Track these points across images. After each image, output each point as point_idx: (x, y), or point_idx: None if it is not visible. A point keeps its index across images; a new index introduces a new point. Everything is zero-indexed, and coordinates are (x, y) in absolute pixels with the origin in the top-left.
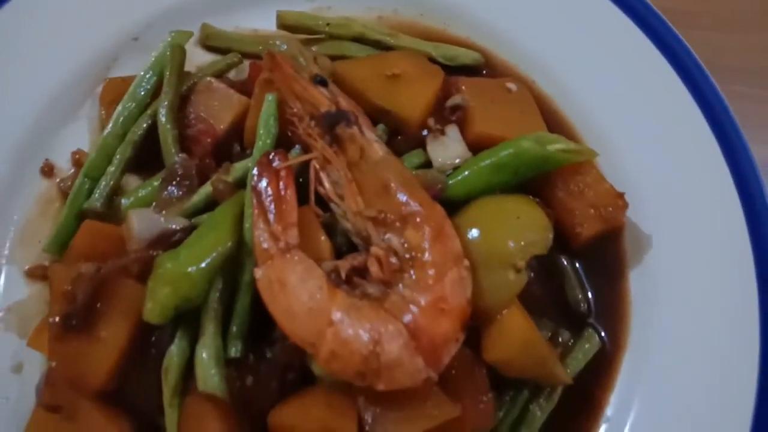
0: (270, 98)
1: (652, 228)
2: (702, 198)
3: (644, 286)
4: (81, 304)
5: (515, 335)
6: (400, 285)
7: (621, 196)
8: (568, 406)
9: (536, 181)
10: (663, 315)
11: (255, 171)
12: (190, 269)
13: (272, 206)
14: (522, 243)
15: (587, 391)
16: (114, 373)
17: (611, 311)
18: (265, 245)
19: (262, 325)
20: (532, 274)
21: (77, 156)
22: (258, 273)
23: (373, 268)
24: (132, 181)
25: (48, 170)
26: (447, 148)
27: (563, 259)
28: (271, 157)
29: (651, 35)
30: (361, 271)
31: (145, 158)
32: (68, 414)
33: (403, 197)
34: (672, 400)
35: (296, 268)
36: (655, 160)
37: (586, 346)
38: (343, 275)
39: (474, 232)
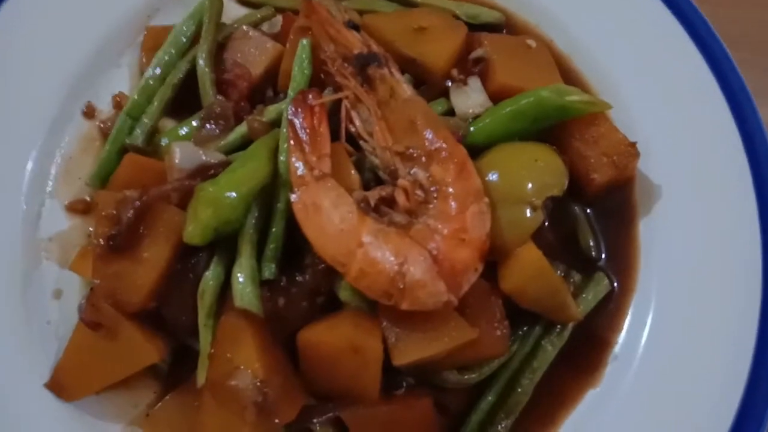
0: (304, 42)
1: (661, 179)
2: (708, 151)
3: (652, 233)
4: (125, 226)
5: (530, 265)
6: (425, 215)
7: (633, 145)
8: (578, 344)
9: (553, 131)
10: (669, 260)
11: (291, 106)
12: (229, 194)
13: (307, 138)
14: (539, 184)
15: (596, 330)
16: (153, 293)
17: (621, 257)
18: (300, 172)
19: (294, 251)
20: (546, 221)
21: (118, 99)
22: (293, 197)
23: (400, 198)
24: (170, 124)
25: (90, 112)
26: (469, 98)
27: (576, 207)
28: (306, 94)
29: (673, 10)
30: (389, 202)
31: (184, 103)
32: (108, 332)
33: (429, 134)
34: (677, 341)
35: (329, 193)
36: (665, 117)
37: (597, 287)
38: (372, 204)
39: (493, 174)
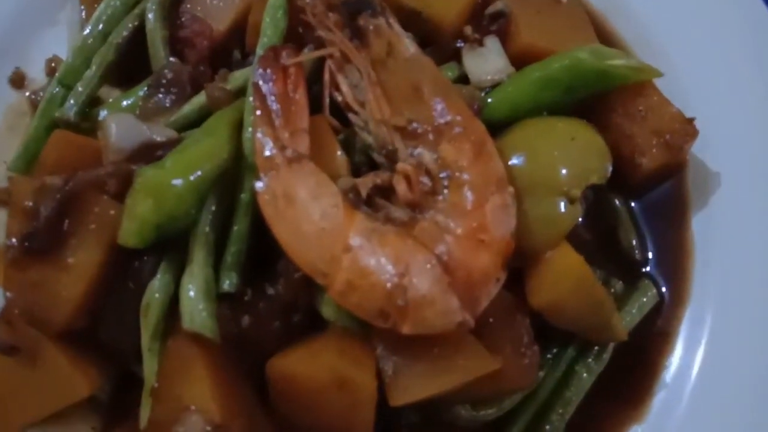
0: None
1: (719, 166)
2: None
3: (709, 232)
4: (45, 223)
5: (568, 273)
6: (432, 210)
7: (690, 121)
8: (619, 369)
9: (590, 104)
10: (730, 266)
11: (258, 67)
12: (177, 180)
13: (278, 108)
14: (576, 169)
15: (641, 353)
16: (83, 308)
17: (671, 260)
18: (268, 152)
19: (262, 256)
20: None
21: (53, 64)
22: (259, 185)
23: (400, 188)
24: (113, 95)
25: (18, 80)
26: (486, 61)
27: (617, 200)
28: (278, 51)
29: None
30: (386, 192)
31: (130, 69)
32: (27, 357)
33: (438, 105)
34: (739, 365)
35: (307, 181)
36: (724, 90)
37: (642, 299)
38: (364, 194)
39: (519, 157)
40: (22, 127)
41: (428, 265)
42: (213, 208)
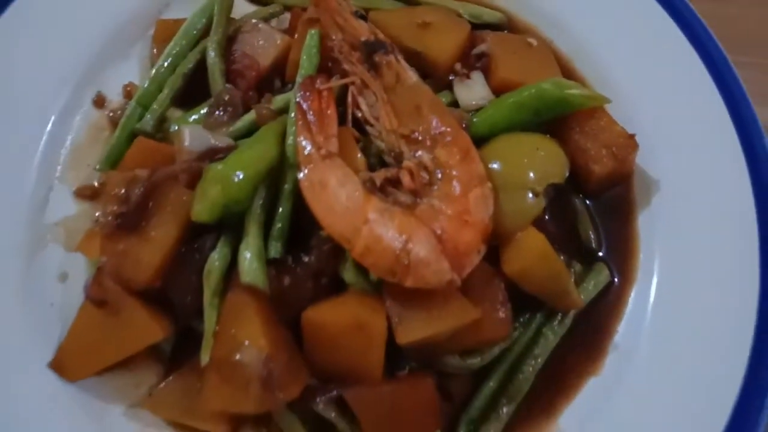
0: (313, 32)
1: (658, 174)
2: (705, 148)
3: (650, 226)
4: (133, 205)
5: (533, 247)
6: (429, 197)
7: (632, 137)
8: (579, 333)
9: (553, 124)
10: (668, 252)
11: (299, 90)
12: (238, 173)
13: (314, 119)
14: (540, 171)
15: (597, 320)
16: (160, 272)
17: (620, 250)
18: (307, 151)
19: (299, 235)
20: (547, 210)
21: (128, 88)
22: (300, 175)
23: (405, 179)
24: (176, 114)
25: (99, 101)
26: (472, 90)
27: (576, 200)
28: (314, 78)
29: (666, 8)
30: (394, 183)
31: (192, 94)
32: (112, 309)
33: (434, 119)
34: (677, 330)
35: (336, 172)
36: (662, 115)
37: (597, 278)
38: (378, 184)
39: (495, 163)
40: (102, 139)
41: (426, 237)
42: (263, 195)
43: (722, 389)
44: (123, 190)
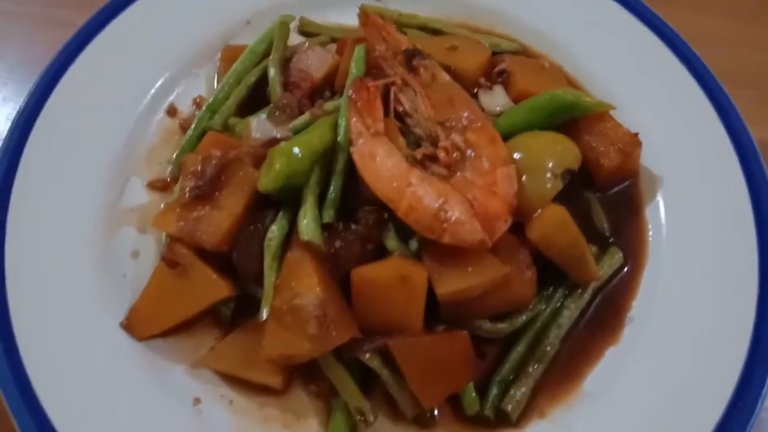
0: (359, 47)
1: (662, 172)
2: (702, 151)
3: (656, 216)
4: (208, 179)
5: (553, 215)
6: (461, 171)
7: (636, 135)
8: (598, 309)
9: (564, 128)
10: (673, 238)
11: (351, 88)
12: (298, 150)
13: (363, 108)
14: (557, 158)
15: (614, 298)
16: (228, 237)
17: (631, 237)
18: (358, 129)
19: (348, 209)
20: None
21: (198, 100)
22: (353, 148)
23: (441, 155)
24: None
25: (172, 111)
26: (495, 98)
27: (588, 193)
28: (363, 79)
29: (661, 37)
30: (432, 159)
31: (255, 107)
32: (183, 270)
33: (465, 110)
34: (686, 306)
35: (383, 146)
36: (660, 123)
37: (612, 259)
38: (418, 158)
39: (517, 154)
40: (173, 141)
41: (460, 201)
42: (318, 174)
43: (730, 351)
44: (199, 167)
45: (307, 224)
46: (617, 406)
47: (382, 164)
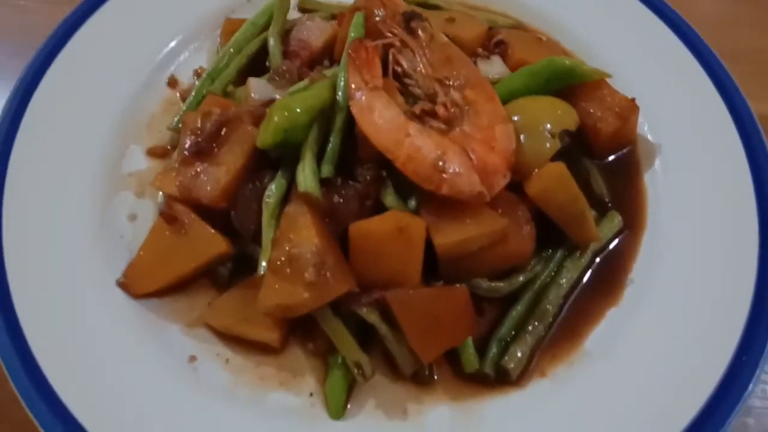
0: (358, 14)
1: (658, 139)
2: (700, 118)
3: (655, 181)
4: (207, 135)
5: (553, 171)
6: (460, 126)
7: (632, 100)
8: (599, 272)
9: (562, 95)
10: (671, 202)
11: (350, 47)
12: (297, 105)
13: (361, 65)
14: (555, 119)
15: (614, 261)
16: (226, 192)
17: (630, 203)
18: (357, 83)
19: (347, 169)
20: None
21: (198, 71)
22: (352, 102)
23: (440, 110)
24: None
25: (172, 82)
26: (492, 67)
27: (587, 161)
28: (362, 40)
29: (657, 13)
30: (430, 114)
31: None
32: (181, 226)
33: (463, 68)
34: (686, 266)
35: (381, 99)
36: (657, 92)
37: (611, 223)
38: (417, 113)
39: (516, 116)
40: (173, 110)
41: (459, 152)
42: (316, 132)
43: (732, 310)
44: (198, 123)
45: (306, 176)
46: (618, 366)
47: (380, 116)
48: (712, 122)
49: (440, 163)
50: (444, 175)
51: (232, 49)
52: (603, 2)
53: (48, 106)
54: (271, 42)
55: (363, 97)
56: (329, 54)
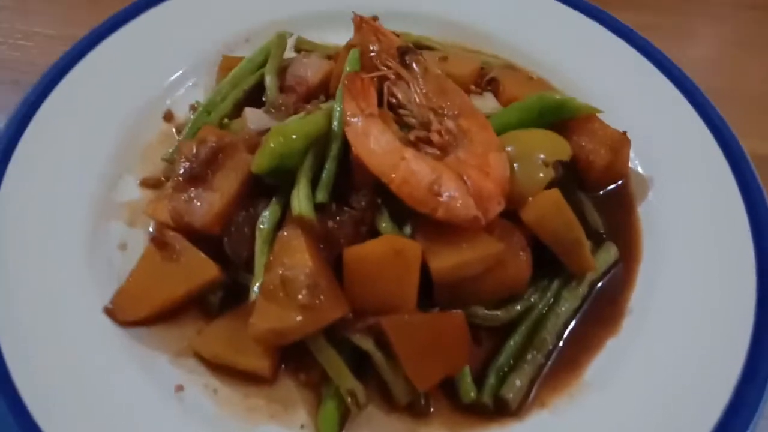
0: (354, 50)
1: (651, 172)
2: (689, 149)
3: (649, 214)
4: (202, 161)
5: (548, 197)
6: (454, 152)
7: (624, 134)
8: (596, 303)
9: (554, 129)
10: (666, 234)
11: (346, 79)
12: (293, 133)
13: (358, 94)
14: (549, 150)
15: (611, 291)
16: (220, 218)
17: (625, 235)
18: (352, 110)
19: (342, 195)
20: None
21: (195, 105)
22: (347, 126)
23: (435, 137)
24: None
25: (168, 116)
26: (485, 103)
27: (581, 193)
28: (357, 72)
29: (643, 53)
30: (425, 142)
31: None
32: (172, 252)
33: (456, 99)
34: (685, 300)
35: (377, 125)
36: (646, 127)
37: (607, 254)
38: (412, 139)
39: (509, 147)
40: (169, 142)
41: (454, 177)
42: (311, 159)
43: (733, 337)
44: (194, 149)
45: (300, 200)
46: (620, 396)
47: (375, 141)
48: (701, 154)
49: (435, 187)
50: (439, 199)
51: (229, 84)
52: (590, 43)
53: (44, 132)
54: (268, 78)
55: (359, 123)
56: (325, 90)
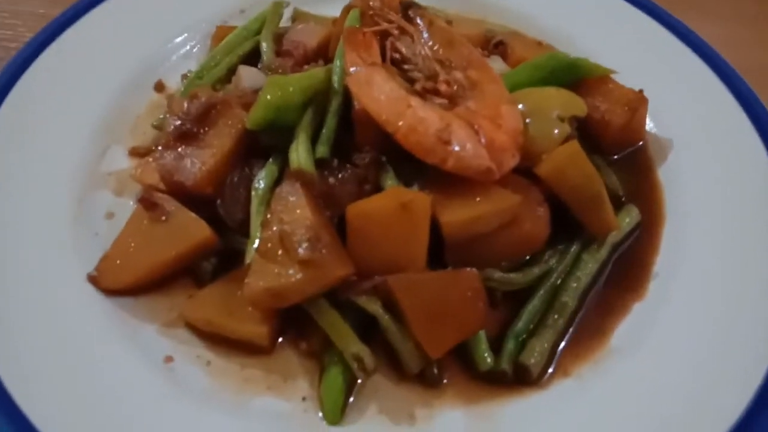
0: (354, 10)
1: (669, 134)
2: (710, 109)
3: (669, 175)
4: (193, 117)
5: (565, 150)
6: (464, 102)
7: (641, 92)
8: (620, 266)
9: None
10: (687, 196)
11: (346, 32)
12: (290, 85)
13: (359, 45)
14: (563, 105)
15: (635, 254)
16: (212, 176)
17: (646, 197)
18: (354, 60)
19: (344, 154)
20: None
21: (187, 75)
22: (349, 76)
23: (442, 87)
24: None
25: (159, 87)
26: (493, 64)
27: (597, 158)
28: (358, 27)
29: (658, 20)
30: (432, 92)
31: None
32: (161, 213)
33: (465, 50)
34: (709, 260)
35: (380, 74)
36: (664, 95)
37: (629, 215)
38: (419, 88)
39: (522, 104)
40: (158, 113)
41: (465, 125)
42: (311, 114)
43: (765, 299)
44: (185, 106)
45: (300, 154)
46: (650, 362)
47: (379, 89)
48: (721, 112)
49: (445, 135)
50: (449, 148)
51: (223, 50)
52: (598, 8)
53: (30, 98)
54: (264, 43)
55: (361, 72)
56: (323, 54)
